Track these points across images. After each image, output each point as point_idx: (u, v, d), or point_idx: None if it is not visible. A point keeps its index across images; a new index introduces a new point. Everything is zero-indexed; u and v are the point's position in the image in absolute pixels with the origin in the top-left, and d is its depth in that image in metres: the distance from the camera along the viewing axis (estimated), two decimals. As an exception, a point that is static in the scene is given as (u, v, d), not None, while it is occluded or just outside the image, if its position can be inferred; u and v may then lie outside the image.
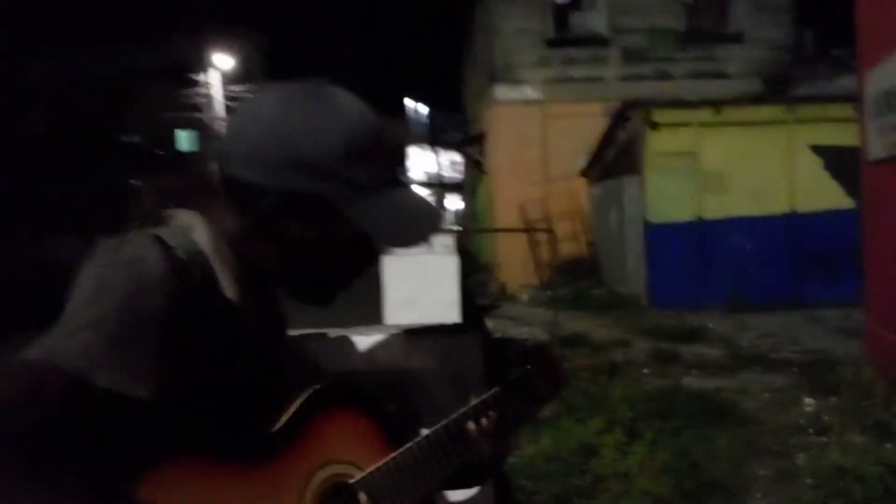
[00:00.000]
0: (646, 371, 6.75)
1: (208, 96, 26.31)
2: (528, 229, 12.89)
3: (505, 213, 13.74)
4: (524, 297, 12.50)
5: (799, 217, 10.78)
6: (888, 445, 3.88)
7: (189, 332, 0.91)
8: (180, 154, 30.17)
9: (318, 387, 1.04)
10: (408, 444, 1.09)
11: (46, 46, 18.18)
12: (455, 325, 1.50)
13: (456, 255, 5.16)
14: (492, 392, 1.20)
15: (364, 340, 1.44)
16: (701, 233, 10.77)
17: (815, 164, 10.67)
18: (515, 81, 14.19)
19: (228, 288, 1.00)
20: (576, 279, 12.61)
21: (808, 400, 5.40)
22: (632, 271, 11.43)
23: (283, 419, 1.00)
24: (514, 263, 13.70)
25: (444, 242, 7.02)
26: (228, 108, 26.26)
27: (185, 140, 31.65)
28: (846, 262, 9.79)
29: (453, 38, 21.91)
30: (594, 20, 14.37)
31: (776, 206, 10.78)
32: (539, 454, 4.28)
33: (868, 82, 5.90)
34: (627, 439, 4.42)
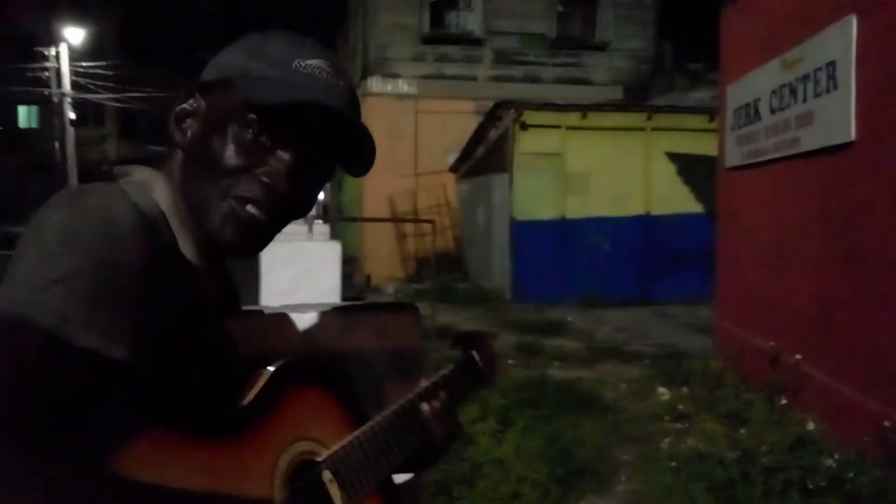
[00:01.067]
0: (511, 362, 6.94)
1: (55, 70, 24.54)
2: (409, 219, 12.91)
3: (373, 205, 13.70)
4: (390, 289, 12.52)
5: (652, 219, 11.42)
6: (742, 431, 4.18)
7: (158, 291, 0.84)
8: (22, 130, 28.03)
9: (287, 361, 0.99)
10: (369, 423, 1.07)
11: None
12: (394, 304, 1.48)
13: (339, 242, 5.10)
14: (441, 374, 1.21)
15: (300, 317, 1.40)
16: (563, 231, 11.19)
17: (669, 170, 11.34)
18: (389, 75, 14.19)
19: (187, 249, 0.94)
20: (442, 273, 12.76)
21: (661, 389, 5.73)
22: (497, 266, 11.71)
23: (253, 393, 0.94)
24: (380, 256, 13.71)
25: (322, 231, 6.91)
26: (76, 84, 24.65)
27: (26, 116, 29.42)
28: (692, 263, 10.49)
29: (325, 27, 21.60)
30: (469, 20, 14.60)
31: (633, 207, 11.37)
32: (416, 442, 4.30)
33: (729, 96, 6.34)
34: (501, 427, 4.53)
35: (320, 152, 0.98)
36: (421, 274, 11.85)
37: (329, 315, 1.37)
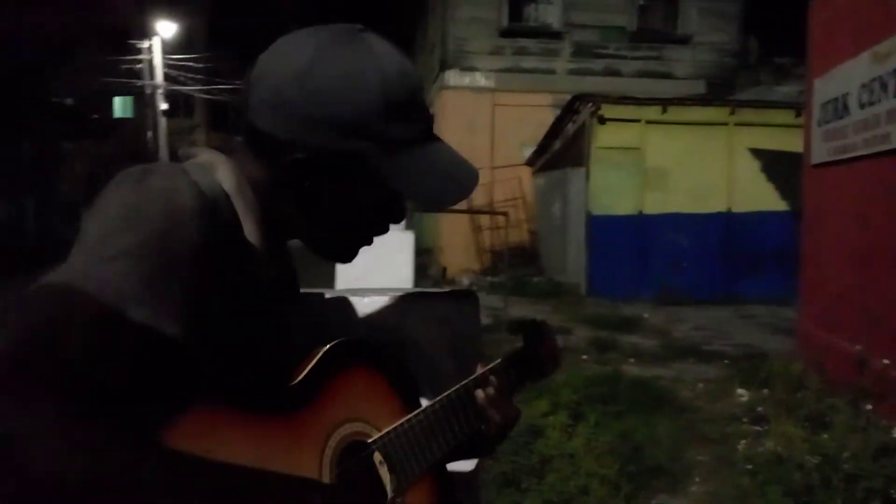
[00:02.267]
0: (585, 357, 6.88)
1: (148, 63, 25.51)
2: (485, 211, 12.91)
3: (450, 198, 13.75)
4: (465, 281, 12.57)
5: (734, 216, 11.12)
6: (824, 436, 4.05)
7: (216, 271, 0.85)
8: (116, 120, 29.20)
9: (339, 342, 1.00)
10: (422, 408, 1.08)
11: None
12: (454, 292, 1.48)
13: (412, 231, 5.15)
14: (498, 361, 1.21)
15: (360, 301, 1.41)
16: (640, 227, 11.01)
17: (752, 166, 11.02)
18: (467, 68, 14.20)
19: (250, 233, 0.94)
20: (517, 266, 12.74)
21: (740, 391, 5.59)
22: (572, 261, 11.61)
23: (305, 372, 0.95)
24: (456, 248, 13.76)
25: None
26: (168, 76, 25.55)
27: (121, 106, 30.62)
28: (776, 262, 10.19)
29: (405, 22, 21.76)
30: (548, 13, 14.48)
31: (714, 204, 11.10)
32: (486, 433, 4.32)
33: (816, 90, 6.12)
34: (572, 421, 4.50)
35: None
36: (496, 267, 11.84)
37: (388, 301, 1.39)
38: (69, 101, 26.81)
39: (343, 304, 1.41)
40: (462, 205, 11.78)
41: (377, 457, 1.01)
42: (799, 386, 5.19)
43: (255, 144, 0.97)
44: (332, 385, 0.98)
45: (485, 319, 8.29)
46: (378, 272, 4.41)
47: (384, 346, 1.10)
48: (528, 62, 14.34)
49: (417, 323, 1.43)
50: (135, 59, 25.58)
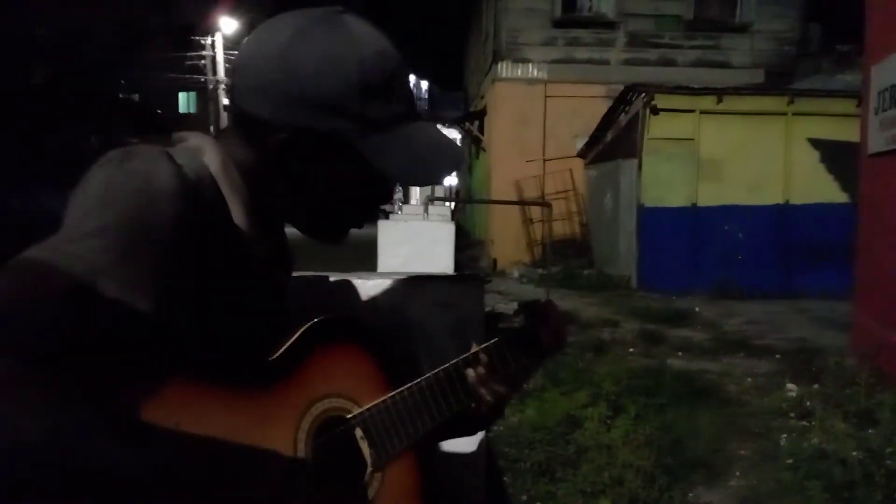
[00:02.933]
0: (632, 350, 6.81)
1: (211, 59, 26.07)
2: (527, 202, 12.89)
3: (501, 189, 13.73)
4: (515, 273, 12.54)
5: (792, 208, 10.83)
6: (871, 431, 3.94)
7: (195, 251, 0.87)
8: (181, 115, 29.89)
9: (321, 319, 1.01)
10: (407, 385, 1.08)
11: (55, 2, 17.97)
12: (457, 275, 1.50)
13: (452, 223, 5.18)
14: (493, 341, 1.20)
15: (365, 285, 1.43)
16: (694, 219, 10.82)
17: (811, 156, 10.72)
18: (519, 60, 14.13)
19: (237, 214, 0.96)
20: (567, 259, 12.65)
21: (790, 385, 5.47)
22: (623, 253, 11.48)
23: (283, 348, 0.97)
24: (506, 240, 13.74)
25: (440, 212, 7.03)
26: (230, 72, 26.07)
27: (185, 102, 31.29)
28: (835, 256, 9.89)
29: (458, 14, 21.76)
30: (602, 3, 14.31)
31: (770, 196, 10.83)
32: (524, 423, 4.32)
33: (873, 77, 5.92)
34: (611, 413, 4.47)
35: None
36: (549, 258, 11.79)
37: (393, 283, 1.40)
38: (136, 97, 27.62)
39: (347, 286, 1.44)
40: (509, 196, 11.77)
41: (357, 432, 1.02)
42: (850, 381, 5.04)
43: (242, 127, 0.99)
44: (312, 361, 0.99)
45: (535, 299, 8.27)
46: (419, 262, 4.46)
47: (369, 324, 1.11)
48: (582, 53, 14.20)
49: (420, 306, 1.45)
50: (198, 56, 26.19)
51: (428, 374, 1.12)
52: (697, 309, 9.29)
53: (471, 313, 1.46)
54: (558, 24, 14.19)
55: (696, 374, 5.84)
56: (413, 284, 1.46)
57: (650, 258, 10.75)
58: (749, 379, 5.87)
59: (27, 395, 0.67)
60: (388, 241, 4.29)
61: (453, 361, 1.16)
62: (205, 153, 0.97)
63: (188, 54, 25.60)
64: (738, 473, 3.88)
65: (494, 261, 13.73)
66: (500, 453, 3.93)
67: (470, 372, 1.17)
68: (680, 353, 6.83)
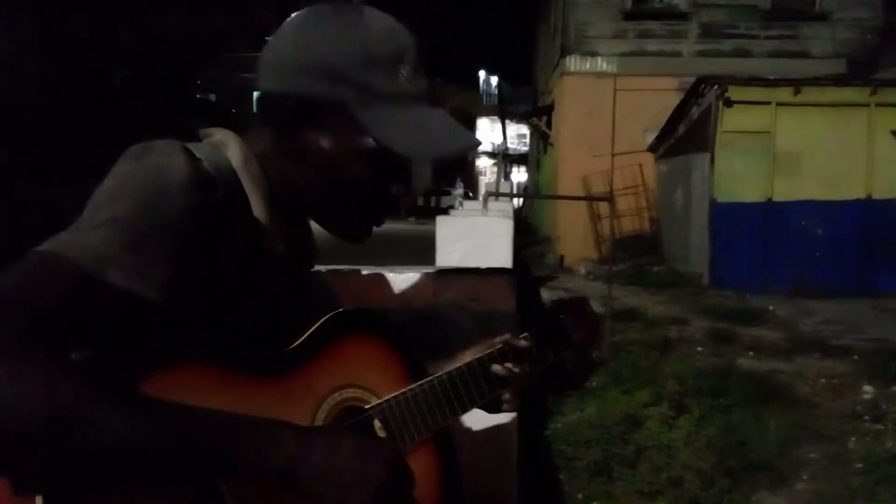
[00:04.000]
0: (700, 349, 6.65)
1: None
2: (583, 197, 12.72)
3: (569, 185, 13.58)
4: (582, 270, 12.40)
5: (874, 203, 10.39)
6: (947, 436, 3.75)
7: (208, 242, 0.88)
8: (254, 114, 30.56)
9: (341, 310, 1.01)
10: (428, 378, 1.08)
11: (134, 5, 18.62)
12: (486, 269, 1.48)
13: (511, 219, 5.15)
14: (499, 347, 1.19)
15: (396, 278, 1.44)
16: (769, 214, 10.48)
17: (895, 149, 10.25)
18: (588, 53, 13.94)
19: (257, 207, 0.98)
20: (637, 255, 12.43)
21: (866, 387, 5.26)
22: (695, 250, 11.21)
23: (302, 338, 0.97)
24: (573, 237, 13.58)
25: (500, 207, 7.03)
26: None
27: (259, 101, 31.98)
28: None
29: (527, 9, 21.63)
30: (674, -7, 13.98)
31: (851, 191, 10.41)
32: (582, 421, 4.27)
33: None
34: (674, 413, 4.38)
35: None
36: (614, 255, 11.61)
37: (424, 277, 1.40)
38: (212, 97, 28.41)
39: (379, 280, 1.45)
40: (576, 191, 11.64)
41: (376, 423, 1.01)
42: (931, 384, 4.81)
43: (260, 112, 1.01)
44: (331, 351, 0.99)
45: (597, 308, 8.18)
46: (478, 257, 4.44)
47: (390, 317, 1.10)
48: (653, 45, 13.91)
49: (449, 299, 1.44)
50: (271, 56, 26.74)
51: (451, 368, 1.12)
52: (771, 307, 9.00)
53: (500, 307, 1.45)
54: (629, 16, 13.93)
55: (767, 375, 5.67)
56: (442, 278, 1.46)
57: (723, 255, 10.47)
58: (823, 380, 5.66)
59: (32, 378, 0.69)
60: (447, 237, 4.27)
61: (478, 356, 1.16)
62: (228, 147, 0.99)
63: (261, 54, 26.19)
64: (805, 477, 3.75)
65: (561, 257, 13.60)
66: (556, 451, 3.90)
67: (496, 366, 1.16)
68: (751, 353, 6.64)
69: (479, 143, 1.05)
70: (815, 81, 10.80)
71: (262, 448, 0.80)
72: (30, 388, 0.69)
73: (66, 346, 0.75)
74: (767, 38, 13.73)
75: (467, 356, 1.17)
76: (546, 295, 9.90)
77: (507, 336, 1.20)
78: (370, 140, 0.95)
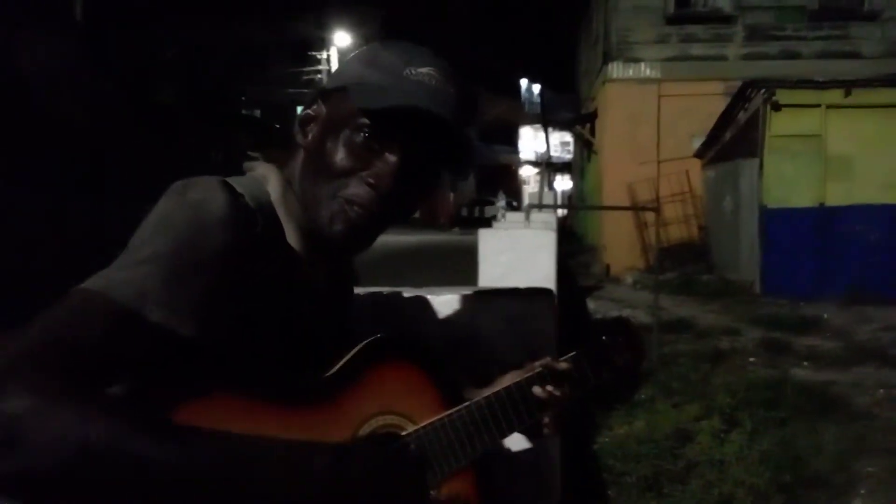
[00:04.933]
0: (752, 360, 6.49)
1: (327, 73, 26.98)
2: (631, 207, 12.57)
3: (614, 193, 13.43)
4: (629, 279, 12.23)
5: (932, 207, 10.06)
6: None
7: (246, 276, 0.91)
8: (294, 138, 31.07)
9: (376, 337, 1.02)
10: (465, 404, 1.07)
11: (180, 22, 19.07)
12: (526, 289, 1.45)
13: (554, 231, 5.09)
14: (538, 371, 1.17)
15: (435, 300, 1.42)
16: (822, 220, 10.21)
17: (953, 151, 9.94)
18: (631, 59, 13.80)
19: (293, 238, 1.01)
20: (684, 264, 12.22)
21: (928, 399, 5.07)
22: (745, 258, 10.98)
23: (338, 365, 0.99)
24: (620, 245, 13.42)
25: (543, 219, 6.97)
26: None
27: (303, 115, 32.51)
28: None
29: (568, 16, 21.56)
30: (718, -3, 13.77)
31: (907, 194, 10.10)
32: (631, 436, 4.20)
33: None
34: (726, 427, 4.28)
35: (425, 156, 1.02)
36: (662, 264, 11.44)
37: (462, 298, 1.38)
38: (257, 112, 28.94)
39: (420, 302, 1.43)
40: (621, 200, 11.48)
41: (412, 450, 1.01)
42: None
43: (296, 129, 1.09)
44: (367, 378, 1.00)
45: (644, 319, 8.04)
46: (520, 271, 4.40)
47: (427, 343, 1.11)
48: (697, 49, 13.70)
49: (490, 321, 1.42)
50: (314, 70, 27.15)
51: (488, 393, 1.11)
52: (826, 315, 8.75)
53: (541, 328, 1.42)
54: (671, 20, 13.76)
55: (823, 386, 5.50)
56: (481, 299, 1.44)
57: (775, 262, 10.22)
58: (882, 391, 5.48)
59: (67, 413, 0.71)
60: (490, 251, 4.28)
61: (517, 380, 1.14)
62: (268, 181, 1.03)
63: (305, 69, 26.58)
64: (863, 493, 3.62)
65: (607, 267, 13.44)
66: (605, 466, 3.83)
67: (537, 389, 1.15)
68: (805, 363, 6.46)
69: (447, 114, 0.99)
70: (867, 82, 10.51)
71: (298, 468, 0.82)
72: (65, 423, 0.71)
73: (103, 382, 0.77)
74: (815, 39, 13.43)
75: (507, 380, 1.16)
76: (592, 305, 9.79)
77: (548, 359, 1.18)
78: (350, 111, 0.99)
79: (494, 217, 10.45)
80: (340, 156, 0.99)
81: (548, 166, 28.09)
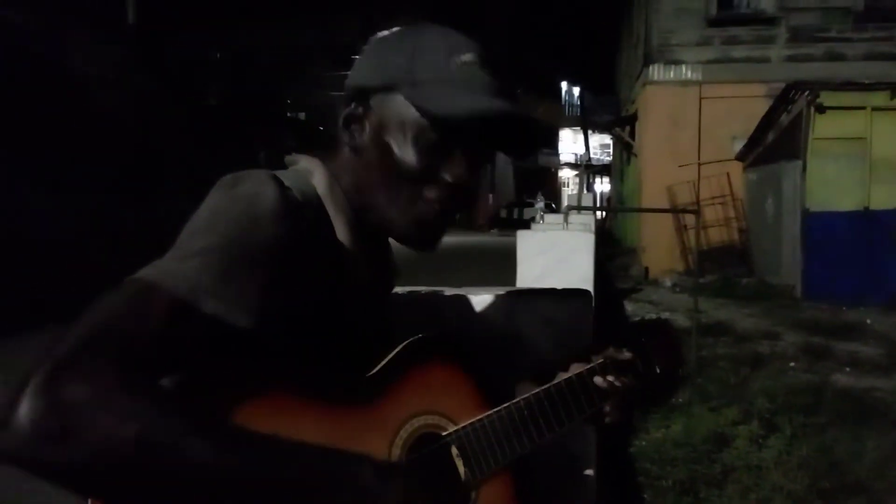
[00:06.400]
0: (792, 365, 6.43)
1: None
2: (671, 209, 12.47)
3: (653, 195, 13.35)
4: (667, 282, 12.15)
5: (982, 211, 9.85)
6: None
7: (297, 270, 0.91)
8: (339, 135, 31.22)
9: (418, 337, 1.03)
10: (506, 405, 1.08)
11: (227, 25, 19.36)
12: (563, 290, 1.49)
13: (592, 233, 5.12)
14: (601, 361, 1.19)
15: (473, 300, 1.47)
16: (866, 223, 10.06)
17: None
18: (672, 62, 13.70)
19: (341, 232, 1.02)
20: (725, 267, 12.11)
21: (974, 408, 4.99)
22: (787, 261, 10.85)
23: (380, 365, 0.99)
24: (659, 248, 13.33)
25: (582, 221, 6.99)
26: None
27: (343, 118, 32.64)
28: None
29: (609, 19, 21.45)
30: (761, -1, 13.60)
31: (956, 198, 9.90)
32: (668, 439, 4.21)
33: None
34: (764, 432, 4.27)
35: (486, 143, 1.05)
36: (702, 267, 11.35)
37: (499, 298, 1.43)
38: (302, 114, 29.21)
39: (460, 301, 1.48)
40: (661, 203, 11.40)
41: (453, 450, 1.02)
42: None
43: (341, 127, 1.08)
44: (409, 378, 1.01)
45: (683, 322, 8.01)
46: (558, 273, 4.44)
47: (468, 343, 1.11)
48: (739, 51, 13.56)
49: (528, 321, 1.47)
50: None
51: (528, 394, 1.11)
52: (869, 321, 8.62)
53: (578, 328, 1.46)
54: (713, 22, 13.63)
55: (864, 392, 5.44)
56: (519, 300, 1.48)
57: (817, 266, 10.09)
58: (924, 399, 5.41)
59: (123, 405, 0.72)
60: (527, 252, 4.34)
61: (554, 383, 1.15)
62: (314, 175, 1.05)
63: (348, 73, 26.77)
64: (904, 502, 3.60)
65: (646, 269, 13.37)
66: (640, 469, 3.86)
67: (598, 379, 1.17)
68: (847, 369, 6.38)
69: (508, 110, 1.00)
70: (914, 84, 10.33)
71: (342, 480, 0.82)
72: (121, 415, 0.71)
73: (158, 373, 0.78)
74: (861, 40, 13.19)
75: (562, 375, 1.17)
76: (630, 308, 9.76)
77: (611, 350, 1.21)
78: (413, 114, 0.99)
79: (533, 219, 10.47)
80: (411, 158, 0.99)
81: (587, 168, 27.96)
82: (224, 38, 20.10)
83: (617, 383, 1.17)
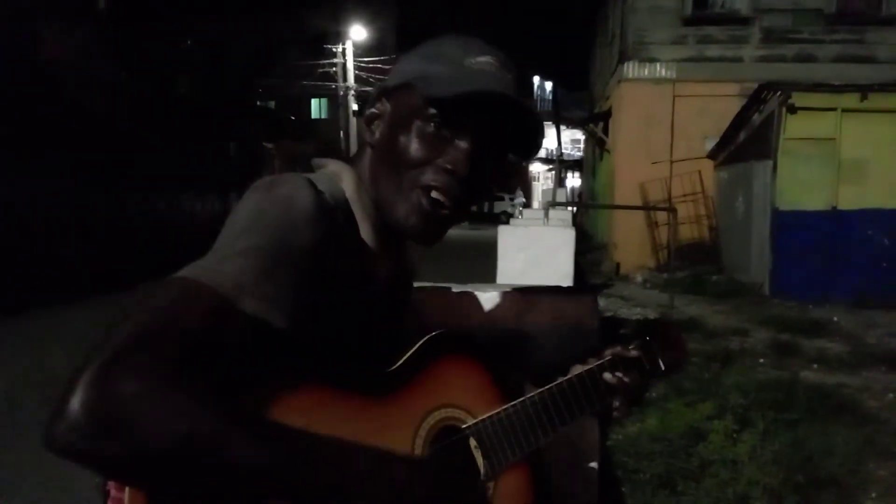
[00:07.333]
0: (762, 361, 6.54)
1: (342, 66, 26.97)
2: (649, 207, 12.61)
3: (625, 192, 13.47)
4: (639, 278, 12.28)
5: (945, 213, 10.07)
6: None
7: (328, 270, 0.94)
8: (313, 121, 31.08)
9: (438, 332, 1.06)
10: (522, 398, 1.11)
11: (198, 15, 19.13)
12: (571, 288, 1.52)
13: (572, 228, 5.15)
14: (609, 358, 1.23)
15: (481, 297, 1.48)
16: (834, 223, 10.24)
17: (968, 157, 9.93)
18: (646, 60, 13.81)
19: (367, 234, 1.05)
20: (695, 263, 12.26)
21: (938, 405, 5.11)
22: (756, 259, 11.02)
23: (402, 359, 1.02)
24: (630, 244, 13.47)
25: (561, 217, 7.01)
26: (359, 78, 26.95)
27: (317, 108, 32.52)
28: None
29: (583, 15, 21.53)
30: (736, -1, 13.75)
31: (920, 200, 10.12)
32: (644, 434, 4.26)
33: None
34: (738, 427, 4.33)
35: (493, 139, 1.05)
36: (672, 264, 11.49)
37: (509, 295, 1.44)
38: (272, 104, 28.99)
39: (468, 298, 1.49)
40: (633, 199, 11.53)
41: (472, 442, 1.06)
42: None
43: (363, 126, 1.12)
44: (429, 372, 1.04)
45: (654, 318, 8.10)
46: (539, 268, 4.47)
47: (485, 338, 1.14)
48: (713, 50, 13.71)
49: (535, 318, 1.48)
50: (329, 63, 27.16)
51: (542, 388, 1.15)
52: (836, 318, 8.80)
53: (584, 325, 1.48)
54: (688, 21, 13.76)
55: (832, 389, 5.55)
56: (527, 297, 1.50)
57: (785, 264, 10.27)
58: (891, 395, 5.54)
59: (174, 401, 0.74)
60: (508, 247, 4.35)
61: (567, 377, 1.18)
62: (342, 178, 1.07)
63: (320, 62, 26.59)
64: (873, 495, 3.68)
65: (617, 265, 13.49)
66: (618, 463, 3.89)
67: (607, 375, 1.21)
68: (815, 366, 6.52)
69: (511, 98, 1.02)
70: (883, 87, 10.52)
71: (374, 477, 0.85)
72: (172, 412, 0.73)
73: (203, 370, 0.79)
74: (832, 42, 13.42)
75: (571, 372, 1.20)
76: (602, 303, 9.85)
77: (618, 347, 1.24)
78: (418, 101, 1.02)
79: (504, 212, 10.48)
80: (414, 147, 1.02)
81: (559, 163, 28.10)
82: (195, 26, 19.87)
83: (625, 379, 1.21)
